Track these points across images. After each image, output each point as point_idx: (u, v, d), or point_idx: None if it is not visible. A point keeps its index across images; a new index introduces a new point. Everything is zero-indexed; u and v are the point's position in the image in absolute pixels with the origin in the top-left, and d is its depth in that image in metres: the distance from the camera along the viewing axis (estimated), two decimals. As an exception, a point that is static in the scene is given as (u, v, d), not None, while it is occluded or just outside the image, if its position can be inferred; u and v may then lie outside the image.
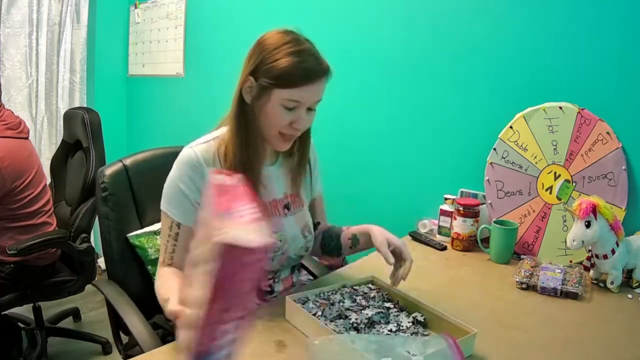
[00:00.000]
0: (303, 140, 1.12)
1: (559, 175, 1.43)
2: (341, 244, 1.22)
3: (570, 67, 1.43)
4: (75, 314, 2.49)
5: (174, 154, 1.07)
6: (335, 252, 1.24)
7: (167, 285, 0.96)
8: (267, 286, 1.12)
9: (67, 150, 2.25)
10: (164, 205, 1.04)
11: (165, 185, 1.04)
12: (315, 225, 1.25)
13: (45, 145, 2.89)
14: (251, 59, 0.99)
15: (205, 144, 1.05)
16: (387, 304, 1.04)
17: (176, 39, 2.78)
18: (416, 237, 1.60)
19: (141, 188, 1.36)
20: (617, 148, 1.33)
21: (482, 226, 1.46)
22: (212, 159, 1.03)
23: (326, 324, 0.93)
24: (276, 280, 1.14)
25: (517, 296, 1.20)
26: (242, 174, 0.98)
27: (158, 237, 1.33)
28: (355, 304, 1.03)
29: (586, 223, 1.19)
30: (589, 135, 1.37)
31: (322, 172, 1.28)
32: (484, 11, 1.58)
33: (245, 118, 1.01)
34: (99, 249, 2.17)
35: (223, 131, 1.06)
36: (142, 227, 1.36)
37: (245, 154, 1.01)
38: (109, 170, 1.32)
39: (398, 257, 1.05)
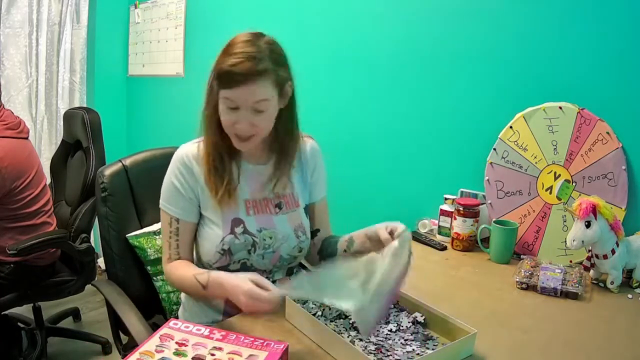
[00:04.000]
0: (282, 141, 1.12)
1: (559, 175, 1.42)
2: (337, 249, 1.17)
3: (570, 67, 1.43)
4: (75, 314, 2.49)
5: (174, 154, 1.09)
6: (329, 258, 1.18)
7: (191, 269, 1.05)
8: None
9: (67, 150, 2.25)
10: (162, 203, 1.10)
11: (163, 184, 1.10)
12: (315, 232, 1.24)
13: (45, 145, 2.89)
14: None
15: (196, 143, 1.10)
16: (387, 304, 1.04)
17: (176, 39, 2.78)
18: (416, 237, 1.59)
19: (141, 188, 1.36)
20: (617, 148, 1.33)
21: (482, 226, 1.46)
22: (201, 156, 1.08)
23: (326, 324, 0.93)
24: (270, 280, 1.12)
25: (517, 296, 1.20)
26: (215, 168, 1.04)
27: (157, 237, 1.33)
28: (355, 304, 1.03)
29: (586, 223, 1.19)
30: (589, 135, 1.36)
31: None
32: (484, 11, 1.57)
33: (211, 116, 1.05)
34: (98, 249, 2.17)
35: None
36: (141, 228, 1.36)
37: (214, 149, 1.06)
38: (108, 171, 1.32)
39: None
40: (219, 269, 1.07)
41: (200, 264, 1.13)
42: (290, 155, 1.14)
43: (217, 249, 1.06)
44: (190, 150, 1.09)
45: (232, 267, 1.08)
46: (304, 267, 1.41)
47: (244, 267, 1.08)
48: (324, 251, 1.22)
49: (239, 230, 1.07)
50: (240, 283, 0.90)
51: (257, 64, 0.96)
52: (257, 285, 0.89)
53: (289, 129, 1.12)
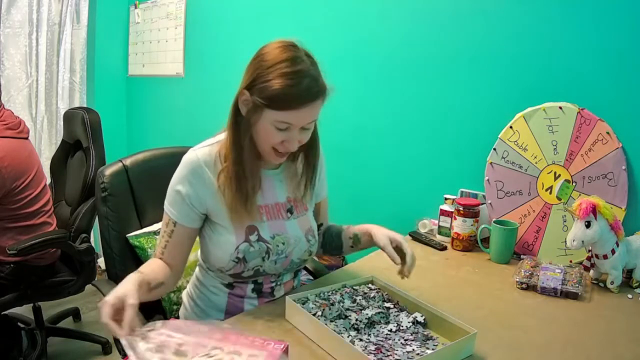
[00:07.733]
0: (309, 145, 1.10)
1: (559, 175, 1.43)
2: (342, 242, 1.23)
3: (570, 67, 1.43)
4: (75, 314, 2.48)
5: (174, 154, 1.08)
6: (336, 251, 1.26)
7: (148, 266, 1.01)
8: (269, 289, 1.12)
9: (67, 150, 2.25)
10: (165, 204, 1.08)
11: (169, 185, 1.07)
12: (319, 227, 1.25)
13: (45, 145, 2.89)
14: (248, 72, 0.99)
15: (208, 147, 1.07)
16: (387, 304, 1.04)
17: (176, 39, 2.78)
18: (416, 237, 1.60)
19: (141, 188, 1.36)
20: (617, 148, 1.33)
21: (482, 226, 1.46)
22: (213, 162, 1.05)
23: (326, 324, 0.93)
24: (278, 283, 1.13)
25: (517, 296, 1.20)
26: (238, 177, 1.01)
27: (157, 237, 1.33)
28: (355, 304, 1.03)
29: (586, 223, 1.19)
30: (589, 135, 1.36)
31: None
32: (484, 11, 1.58)
33: (240, 128, 1.01)
34: (99, 249, 2.17)
35: (225, 135, 1.07)
36: (141, 228, 1.36)
37: (240, 160, 1.01)
38: (108, 171, 1.32)
39: (400, 253, 1.07)
40: (232, 276, 1.07)
41: (212, 270, 1.10)
42: (314, 159, 1.14)
43: (232, 258, 1.04)
44: (202, 155, 1.04)
45: (246, 274, 1.06)
46: (304, 268, 1.41)
47: (257, 273, 1.08)
48: (327, 244, 1.27)
49: (253, 237, 1.05)
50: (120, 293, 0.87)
51: (315, 84, 0.95)
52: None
53: (316, 136, 1.11)
